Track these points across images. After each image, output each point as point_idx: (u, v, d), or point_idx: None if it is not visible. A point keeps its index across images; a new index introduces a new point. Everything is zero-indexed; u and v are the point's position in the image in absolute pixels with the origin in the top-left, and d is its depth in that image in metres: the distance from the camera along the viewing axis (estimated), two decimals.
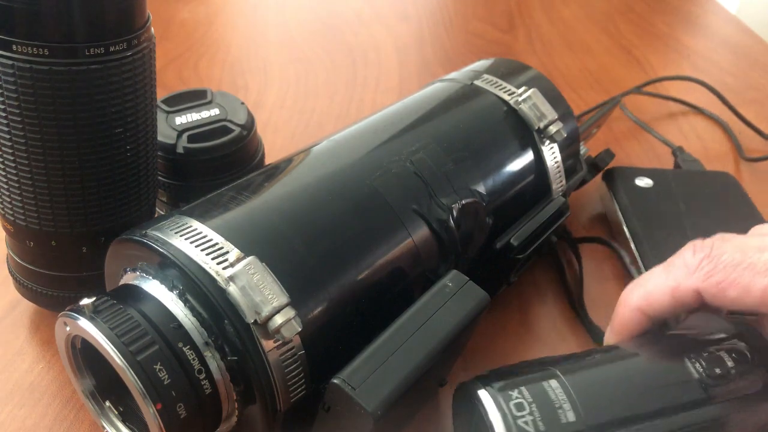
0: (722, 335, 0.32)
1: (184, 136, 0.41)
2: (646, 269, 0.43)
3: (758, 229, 0.32)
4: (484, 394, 0.29)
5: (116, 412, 0.31)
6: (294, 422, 0.30)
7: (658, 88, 0.69)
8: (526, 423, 0.28)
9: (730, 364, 0.30)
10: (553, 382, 0.30)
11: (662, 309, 0.32)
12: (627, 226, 0.47)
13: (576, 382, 0.30)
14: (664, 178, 0.51)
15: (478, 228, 0.37)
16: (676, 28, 0.86)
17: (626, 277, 0.46)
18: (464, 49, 0.79)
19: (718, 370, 0.30)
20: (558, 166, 0.42)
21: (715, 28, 0.88)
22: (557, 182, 0.42)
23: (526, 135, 0.41)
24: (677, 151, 0.57)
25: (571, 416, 0.28)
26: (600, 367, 0.31)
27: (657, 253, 0.43)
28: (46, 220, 0.33)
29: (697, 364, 0.30)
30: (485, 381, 0.29)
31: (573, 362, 0.31)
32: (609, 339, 0.35)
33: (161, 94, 0.41)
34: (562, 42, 0.81)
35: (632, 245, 0.45)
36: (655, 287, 0.32)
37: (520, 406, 0.29)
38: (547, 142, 0.42)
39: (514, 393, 0.29)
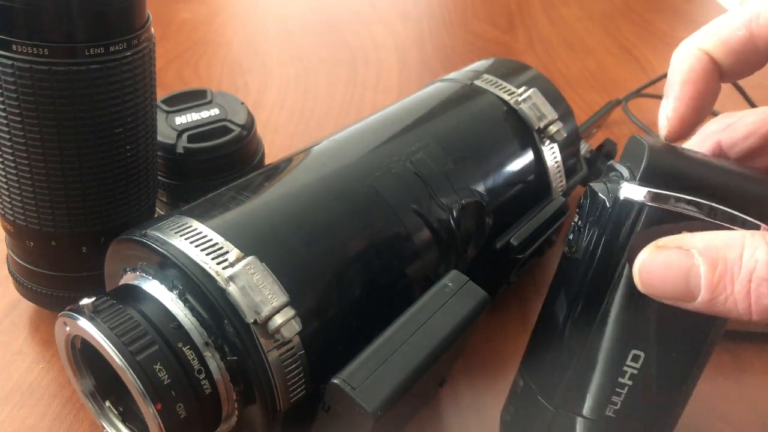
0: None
1: (184, 136, 0.41)
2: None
3: None
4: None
5: (116, 412, 0.31)
6: (294, 422, 0.30)
7: (662, 82, 0.69)
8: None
9: (577, 220, 0.27)
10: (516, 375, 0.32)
11: (734, 50, 0.26)
12: None
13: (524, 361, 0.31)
14: None
15: (478, 228, 0.37)
16: (676, 28, 0.86)
17: None
18: (464, 49, 0.79)
19: (571, 236, 0.27)
20: (558, 166, 0.42)
21: None
22: (557, 182, 0.42)
23: (526, 135, 0.41)
24: None
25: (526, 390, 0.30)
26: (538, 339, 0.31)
27: None
28: (46, 220, 0.33)
29: (566, 249, 0.27)
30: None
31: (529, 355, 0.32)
32: (669, 108, 0.27)
33: (161, 94, 0.41)
34: (562, 42, 0.81)
35: None
36: (726, 22, 0.26)
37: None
38: (547, 142, 0.42)
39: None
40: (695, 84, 0.26)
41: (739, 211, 0.24)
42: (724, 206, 0.24)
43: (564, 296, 0.28)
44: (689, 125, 0.27)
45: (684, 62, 0.27)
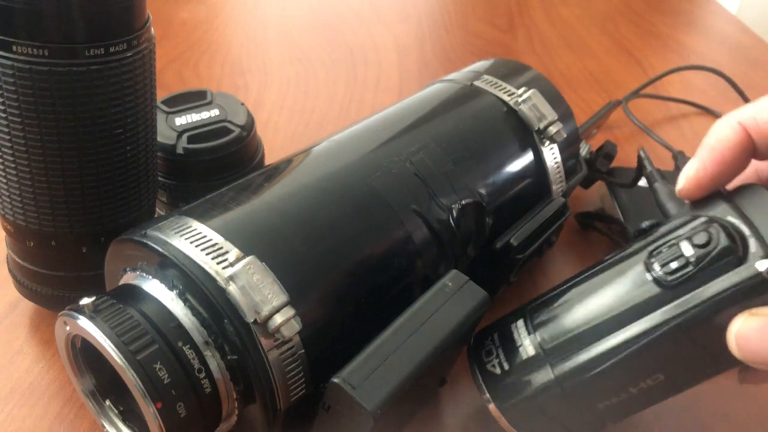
0: (699, 218, 0.28)
1: (184, 136, 0.41)
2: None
3: None
4: (470, 347, 0.33)
5: (116, 412, 0.31)
6: (294, 422, 0.30)
7: (664, 83, 0.69)
8: (493, 366, 0.31)
9: (689, 253, 0.27)
10: (519, 322, 0.32)
11: None
12: (627, 226, 0.47)
13: (537, 315, 0.32)
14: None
15: (478, 228, 0.37)
16: (676, 28, 0.86)
17: None
18: (464, 49, 0.79)
19: (674, 264, 0.27)
20: (558, 167, 0.42)
21: (715, 28, 0.89)
22: (557, 183, 0.42)
23: (526, 135, 0.41)
24: (678, 155, 0.57)
25: (531, 351, 0.31)
26: (562, 296, 0.32)
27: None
28: (46, 220, 0.33)
29: (655, 263, 0.28)
30: (476, 336, 0.33)
31: (540, 297, 0.33)
32: (690, 167, 0.29)
33: (161, 94, 0.41)
34: (562, 42, 0.81)
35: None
36: (764, 102, 0.27)
37: (489, 353, 0.32)
38: (547, 142, 0.42)
39: (487, 341, 0.33)
40: (722, 153, 0.27)
41: None
42: None
43: (620, 296, 0.29)
44: (704, 188, 0.28)
45: (719, 131, 0.28)
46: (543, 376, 0.30)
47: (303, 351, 0.29)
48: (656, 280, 0.28)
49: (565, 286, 0.32)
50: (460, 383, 0.38)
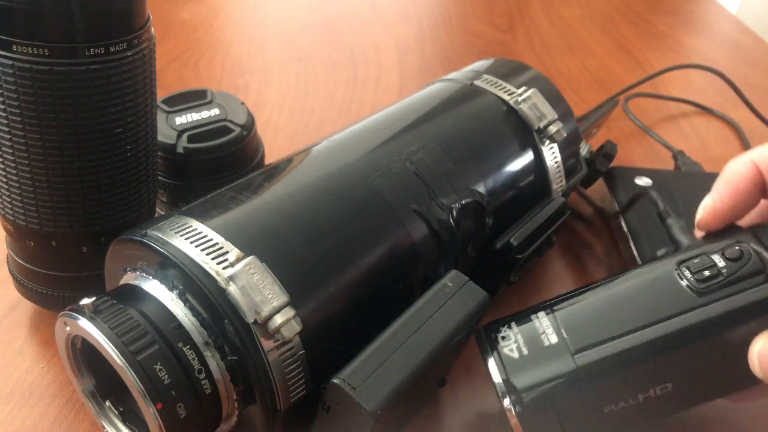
0: (724, 240, 0.30)
1: (184, 136, 0.41)
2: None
3: None
4: (479, 334, 0.32)
5: (116, 412, 0.31)
6: (294, 422, 0.30)
7: (664, 83, 0.69)
8: (510, 350, 0.31)
9: (721, 264, 0.29)
10: (541, 314, 0.32)
11: None
12: (626, 225, 0.47)
13: (562, 308, 0.31)
14: (664, 178, 0.51)
15: (478, 228, 0.37)
16: (676, 28, 0.86)
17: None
18: (464, 49, 0.79)
19: (706, 272, 0.29)
20: (558, 166, 0.42)
21: (715, 28, 0.88)
22: (557, 182, 0.42)
23: (526, 135, 0.41)
24: (678, 155, 0.57)
25: (553, 339, 0.30)
26: (589, 292, 0.32)
27: (655, 251, 0.43)
28: (46, 220, 0.33)
29: (686, 270, 0.29)
30: (488, 326, 0.32)
31: (567, 294, 0.33)
32: (707, 200, 0.32)
33: (161, 94, 0.41)
34: (562, 42, 0.81)
35: (631, 244, 0.45)
36: None
37: (506, 338, 0.31)
38: (547, 142, 0.42)
39: (503, 328, 0.32)
40: (735, 187, 0.30)
41: None
42: None
43: (650, 295, 0.30)
44: (720, 219, 0.31)
45: (734, 167, 0.31)
46: (564, 364, 0.29)
47: (303, 351, 0.28)
48: (688, 286, 0.29)
49: (591, 286, 0.32)
50: (460, 383, 0.38)
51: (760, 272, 0.28)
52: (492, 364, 0.31)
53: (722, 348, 0.28)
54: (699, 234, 0.34)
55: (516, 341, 0.31)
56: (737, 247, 0.29)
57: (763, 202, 0.32)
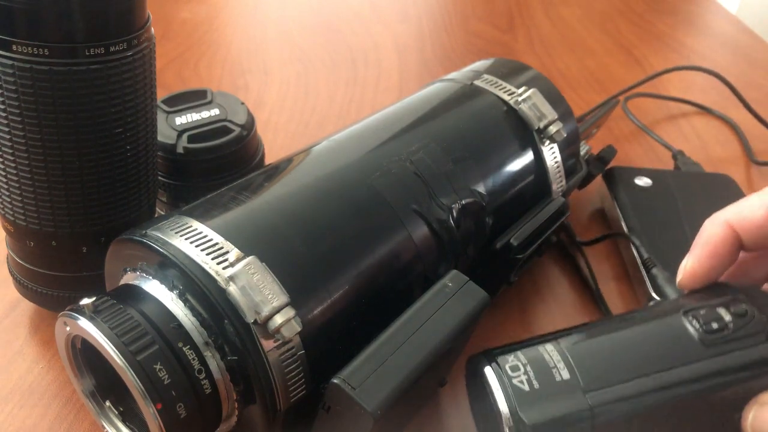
0: (724, 295, 0.32)
1: (184, 136, 0.41)
2: (645, 267, 0.43)
3: None
4: (484, 363, 0.31)
5: (116, 412, 0.31)
6: (294, 422, 0.30)
7: (664, 83, 0.69)
8: (521, 382, 0.30)
9: (727, 318, 0.30)
10: (549, 346, 0.31)
11: (753, 226, 0.31)
12: (626, 225, 0.47)
13: (571, 344, 0.31)
14: (664, 178, 0.51)
15: (478, 228, 0.37)
16: (676, 28, 0.86)
17: (628, 276, 0.46)
18: (464, 49, 0.79)
19: (715, 325, 0.30)
20: (558, 166, 0.42)
21: (715, 28, 0.88)
22: (557, 182, 0.42)
23: (526, 135, 0.41)
24: (678, 155, 0.57)
25: (565, 374, 0.30)
26: (596, 330, 0.32)
27: (655, 251, 0.43)
28: (46, 220, 0.33)
29: (694, 321, 0.30)
30: (488, 353, 0.31)
31: (571, 330, 0.32)
32: (687, 262, 0.33)
33: (161, 94, 0.41)
34: (562, 42, 0.81)
35: (631, 244, 0.45)
36: (748, 203, 0.31)
37: (515, 368, 0.30)
38: (547, 142, 0.42)
39: (510, 357, 0.31)
40: (713, 248, 0.31)
41: None
42: None
43: (661, 341, 0.30)
44: (699, 280, 0.32)
45: (709, 229, 0.32)
46: (577, 402, 0.29)
47: (303, 351, 0.28)
48: (697, 336, 0.30)
49: (597, 323, 0.33)
50: (460, 383, 0.38)
51: (761, 331, 0.30)
52: (498, 392, 0.30)
53: (722, 400, 0.29)
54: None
55: (526, 373, 0.30)
56: (744, 304, 0.30)
57: (741, 253, 0.33)
